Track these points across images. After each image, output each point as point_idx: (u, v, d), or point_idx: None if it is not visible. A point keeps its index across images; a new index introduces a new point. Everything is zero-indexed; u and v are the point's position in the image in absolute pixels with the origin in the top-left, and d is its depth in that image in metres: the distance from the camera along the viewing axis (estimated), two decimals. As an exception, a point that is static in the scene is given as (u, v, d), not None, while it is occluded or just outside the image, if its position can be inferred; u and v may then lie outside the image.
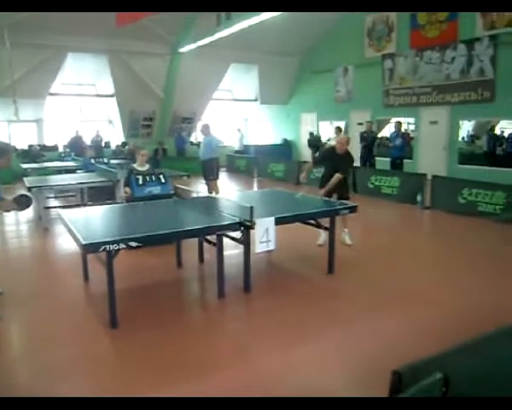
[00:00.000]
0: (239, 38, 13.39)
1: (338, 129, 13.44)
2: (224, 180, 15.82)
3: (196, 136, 19.08)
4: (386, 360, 3.51)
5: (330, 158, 6.93)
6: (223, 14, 11.27)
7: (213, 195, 8.68)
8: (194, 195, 6.46)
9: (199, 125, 15.77)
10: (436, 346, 2.31)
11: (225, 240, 4.98)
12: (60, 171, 11.51)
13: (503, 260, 6.40)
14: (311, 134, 17.45)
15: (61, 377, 3.48)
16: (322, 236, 6.65)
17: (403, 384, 2.01)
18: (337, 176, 6.64)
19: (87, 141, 16.30)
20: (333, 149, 7.02)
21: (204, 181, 10.48)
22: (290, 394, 3.12)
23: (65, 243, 7.15)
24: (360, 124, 14.93)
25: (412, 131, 14.55)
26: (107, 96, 17.41)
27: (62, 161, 13.42)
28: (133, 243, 3.99)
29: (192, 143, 19.00)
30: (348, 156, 6.93)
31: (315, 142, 16.80)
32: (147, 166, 7.11)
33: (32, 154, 15.37)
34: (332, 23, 16.29)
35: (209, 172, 10.09)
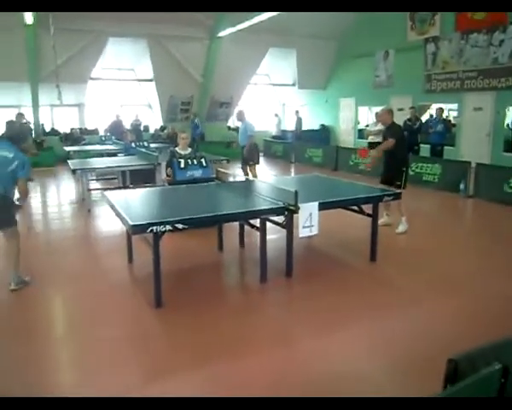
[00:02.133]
0: (277, 21, 13.28)
1: (377, 115, 13.16)
2: (261, 165, 15.86)
3: (234, 121, 19.10)
4: (431, 347, 3.48)
5: (384, 137, 6.99)
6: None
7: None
8: (236, 179, 6.49)
9: (236, 111, 15.83)
10: (483, 336, 2.26)
11: (267, 224, 5.00)
12: (101, 154, 11.78)
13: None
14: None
15: (105, 356, 3.59)
16: (384, 217, 6.91)
17: (459, 373, 1.98)
18: (386, 142, 6.66)
19: (127, 125, 16.57)
20: (385, 128, 7.03)
21: (240, 166, 10.53)
22: (322, 378, 3.13)
23: (108, 225, 7.33)
24: (400, 110, 14.57)
25: (454, 117, 14.12)
26: (146, 80, 17.63)
27: (103, 144, 13.70)
28: (179, 226, 4.05)
29: (229, 127, 19.06)
30: (393, 126, 6.87)
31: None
32: (189, 150, 7.18)
33: (73, 137, 15.78)
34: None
35: (249, 157, 10.12)
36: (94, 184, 10.54)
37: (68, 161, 9.27)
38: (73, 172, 8.46)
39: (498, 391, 1.99)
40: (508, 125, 12.95)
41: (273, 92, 21.11)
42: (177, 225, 4.02)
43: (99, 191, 9.22)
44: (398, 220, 6.89)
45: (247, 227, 5.60)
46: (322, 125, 19.74)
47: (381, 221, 6.70)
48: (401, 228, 6.84)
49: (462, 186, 9.71)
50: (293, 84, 19.75)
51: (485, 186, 9.31)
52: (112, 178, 10.68)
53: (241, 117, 10.30)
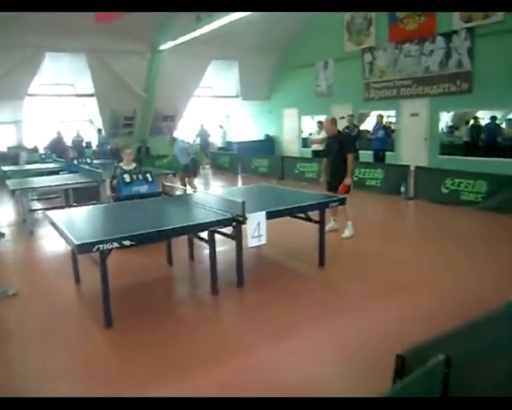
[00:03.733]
0: (219, 34, 13.36)
1: (320, 124, 13.50)
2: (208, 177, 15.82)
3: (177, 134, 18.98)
4: (382, 346, 3.59)
5: (328, 145, 7.13)
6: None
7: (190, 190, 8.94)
8: (183, 192, 6.46)
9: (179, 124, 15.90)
10: (432, 331, 2.36)
11: (216, 236, 5.00)
12: (42, 173, 11.36)
13: (489, 246, 6.55)
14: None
15: (53, 379, 3.46)
16: (331, 223, 7.01)
17: (406, 368, 2.07)
18: (349, 161, 6.77)
19: (68, 142, 16.11)
20: (328, 136, 7.15)
21: (179, 178, 10.81)
22: (280, 387, 3.17)
23: (52, 246, 7.08)
24: (342, 118, 15.03)
25: (393, 123, 14.72)
26: (86, 95, 17.20)
27: (43, 162, 13.23)
28: (127, 242, 3.98)
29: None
30: (342, 136, 7.11)
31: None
32: (133, 165, 7.09)
33: (10, 156, 15.14)
34: (311, 18, 16.36)
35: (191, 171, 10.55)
36: (36, 205, 10.15)
37: (7, 181, 8.88)
38: (12, 192, 8.11)
39: (443, 381, 2.10)
40: (443, 129, 13.61)
41: (217, 104, 21.17)
42: (124, 242, 3.95)
43: (42, 211, 8.89)
44: (344, 225, 7.08)
45: (197, 240, 5.57)
46: (267, 136, 19.99)
47: (327, 227, 6.88)
48: (347, 232, 7.04)
49: (402, 189, 10.13)
50: (237, 96, 19.90)
51: (424, 188, 9.76)
52: (55, 197, 10.33)
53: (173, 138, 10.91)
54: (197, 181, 10.81)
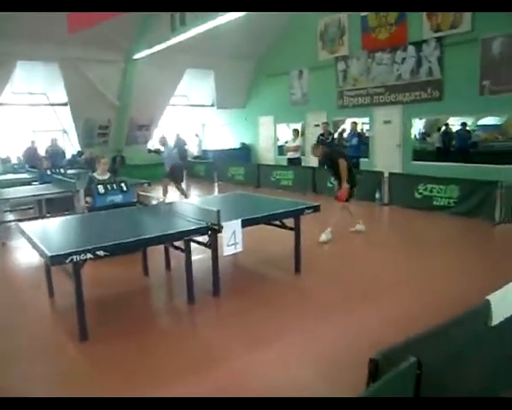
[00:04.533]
0: (194, 43, 13.36)
1: (295, 131, 13.63)
2: (184, 186, 15.77)
3: (153, 144, 18.84)
4: (358, 350, 3.63)
5: (323, 164, 8.48)
6: (177, 19, 11.22)
7: (183, 198, 9.18)
8: (158, 201, 6.42)
9: (156, 134, 15.87)
10: (405, 334, 2.41)
11: (192, 245, 4.99)
12: (14, 183, 11.14)
13: (461, 249, 6.70)
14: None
15: (29, 394, 3.40)
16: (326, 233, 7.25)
17: (379, 371, 2.11)
18: (342, 168, 7.17)
19: (42, 152, 15.84)
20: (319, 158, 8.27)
21: (175, 186, 11.25)
22: (260, 393, 3.17)
23: (25, 258, 6.95)
24: (317, 125, 15.20)
25: (367, 130, 14.95)
26: (60, 104, 16.97)
27: (16, 173, 12.98)
28: (101, 253, 3.94)
29: (150, 150, 18.74)
30: (328, 154, 7.61)
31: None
32: (107, 175, 7.02)
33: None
34: (285, 27, 16.57)
35: (180, 175, 11.20)
36: (8, 216, 9.94)
37: (-24, 193, 8.68)
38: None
39: (415, 382, 2.14)
40: (415, 135, 13.88)
41: (192, 113, 21.14)
42: (98, 253, 3.91)
43: (14, 223, 8.70)
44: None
45: (174, 250, 5.54)
46: (243, 144, 20.04)
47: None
48: (324, 237, 7.13)
49: (377, 195, 10.27)
50: (213, 105, 19.91)
51: (398, 194, 9.92)
52: (28, 209, 10.14)
53: (164, 142, 11.18)
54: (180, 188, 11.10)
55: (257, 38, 16.65)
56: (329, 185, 11.52)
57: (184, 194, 11.22)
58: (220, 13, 10.46)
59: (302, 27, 16.04)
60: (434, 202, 9.13)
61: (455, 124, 13.15)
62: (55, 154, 15.69)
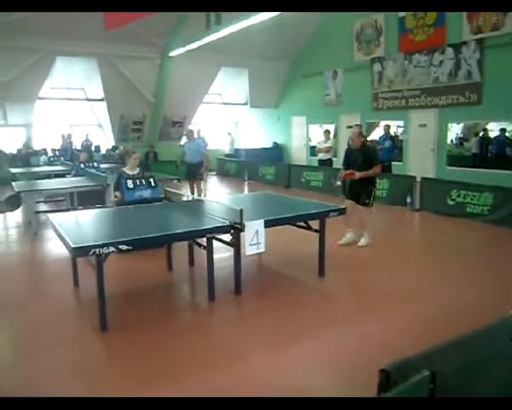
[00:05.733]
0: (229, 41, 13.42)
1: (327, 132, 13.48)
2: (214, 184, 15.89)
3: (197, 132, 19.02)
4: (377, 359, 3.54)
5: (350, 157, 6.94)
6: (212, 17, 11.26)
7: (197, 196, 9.04)
8: (185, 198, 6.46)
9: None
10: (427, 344, 2.33)
11: (216, 243, 5.00)
12: (49, 175, 11.46)
13: (491, 260, 6.48)
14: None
15: (50, 381, 3.46)
16: (347, 236, 6.91)
17: (391, 383, 2.04)
18: (376, 168, 6.73)
19: (77, 145, 16.24)
20: (349, 147, 7.00)
21: (188, 182, 11.02)
22: (278, 395, 3.13)
23: (55, 248, 7.11)
24: (350, 127, 14.96)
25: (401, 133, 14.66)
26: (96, 100, 17.38)
27: (52, 165, 13.35)
28: (123, 247, 3.98)
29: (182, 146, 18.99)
30: (367, 148, 6.91)
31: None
32: (137, 170, 7.11)
33: (20, 158, 15.28)
34: (321, 27, 16.46)
35: (197, 173, 10.74)
36: (42, 207, 10.22)
37: (12, 183, 8.95)
38: (18, 194, 8.18)
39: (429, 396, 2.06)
40: (452, 140, 13.51)
41: (226, 111, 21.25)
42: (120, 247, 3.95)
43: (46, 214, 8.93)
44: (360, 234, 7.07)
45: (198, 247, 5.56)
46: (275, 143, 20.00)
47: (342, 241, 6.98)
48: (363, 241, 7.01)
49: (408, 200, 10.05)
50: (246, 103, 19.96)
51: (429, 199, 9.68)
52: (60, 200, 10.40)
53: (190, 135, 10.93)
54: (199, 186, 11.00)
55: (292, 39, 16.60)
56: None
57: (200, 193, 10.89)
58: (254, 12, 10.45)
59: (338, 28, 15.88)
60: (467, 209, 8.86)
61: (494, 129, 12.72)
62: (88, 148, 16.06)
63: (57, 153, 15.37)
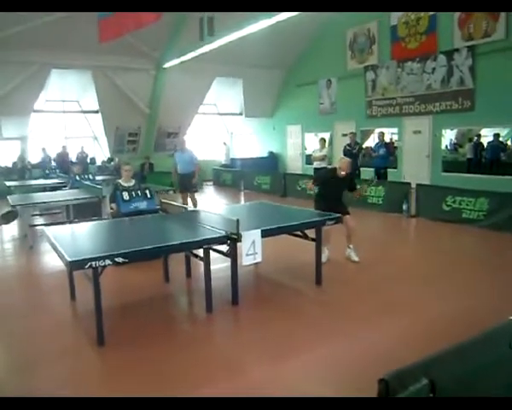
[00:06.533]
0: (223, 52, 13.48)
1: (322, 140, 13.50)
2: (211, 194, 15.89)
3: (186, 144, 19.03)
4: (375, 369, 3.53)
5: (333, 181, 6.64)
6: (205, 28, 11.32)
7: (190, 207, 8.79)
8: (181, 209, 6.45)
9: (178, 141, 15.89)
10: (425, 353, 2.33)
11: (213, 254, 4.98)
12: (45, 188, 11.43)
13: (488, 265, 6.49)
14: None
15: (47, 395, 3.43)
16: (325, 253, 6.45)
17: (390, 392, 2.03)
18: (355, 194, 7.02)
19: (72, 157, 16.24)
20: (334, 172, 6.70)
21: (180, 193, 10.58)
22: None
23: (51, 262, 7.06)
24: (345, 135, 15.05)
25: (396, 140, 14.73)
26: (91, 112, 17.40)
27: (47, 178, 13.32)
28: (119, 259, 3.97)
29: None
30: (350, 178, 6.89)
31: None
32: (132, 182, 7.11)
33: (15, 171, 15.26)
34: (315, 37, 16.58)
35: (190, 185, 10.30)
36: (38, 220, 10.18)
37: (8, 197, 8.92)
38: (13, 207, 8.14)
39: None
40: (446, 146, 13.58)
41: (221, 121, 21.30)
42: (116, 259, 3.94)
43: (42, 227, 8.90)
44: (348, 249, 6.78)
45: (195, 258, 5.55)
46: (271, 153, 20.05)
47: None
48: (355, 255, 6.72)
49: (404, 207, 10.08)
50: (241, 113, 20.03)
51: (425, 206, 9.71)
52: (56, 213, 10.37)
53: (182, 145, 10.64)
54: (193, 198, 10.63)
55: (285, 48, 16.70)
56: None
57: (194, 204, 10.42)
58: (248, 23, 10.52)
59: (331, 37, 16.01)
60: (463, 215, 8.89)
61: (487, 135, 12.80)
62: (84, 160, 16.06)
63: (50, 165, 15.35)
